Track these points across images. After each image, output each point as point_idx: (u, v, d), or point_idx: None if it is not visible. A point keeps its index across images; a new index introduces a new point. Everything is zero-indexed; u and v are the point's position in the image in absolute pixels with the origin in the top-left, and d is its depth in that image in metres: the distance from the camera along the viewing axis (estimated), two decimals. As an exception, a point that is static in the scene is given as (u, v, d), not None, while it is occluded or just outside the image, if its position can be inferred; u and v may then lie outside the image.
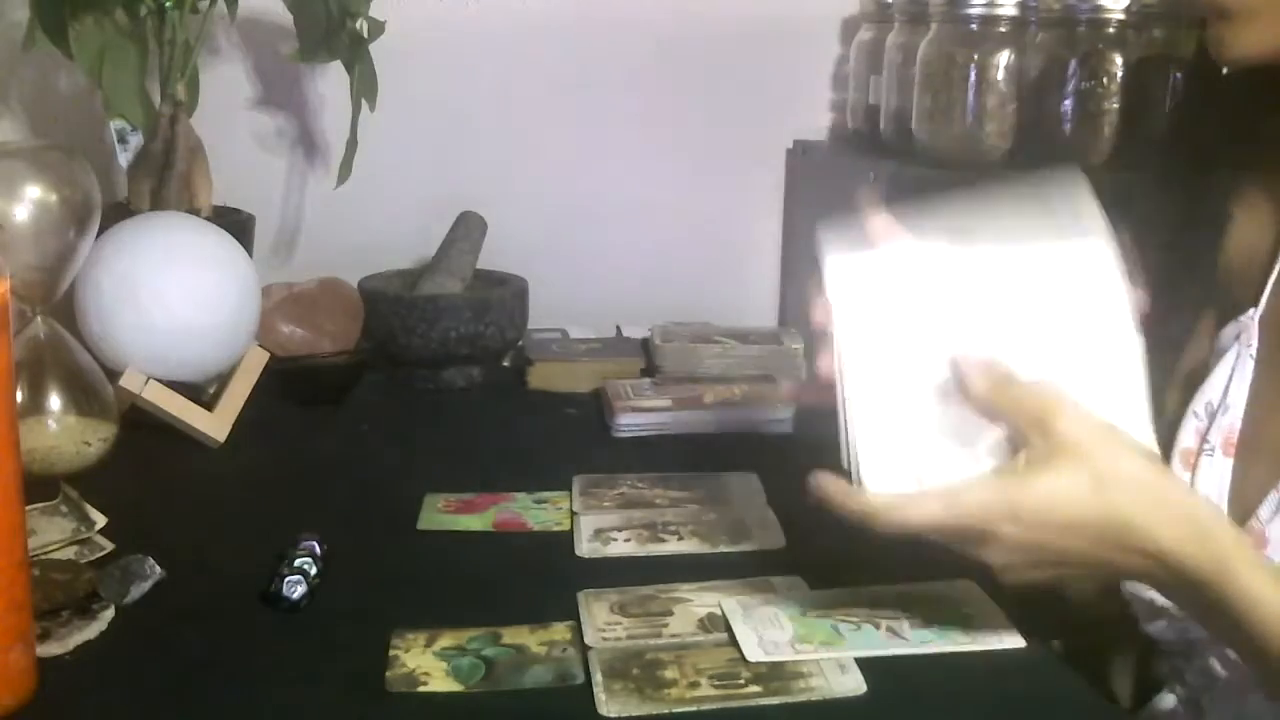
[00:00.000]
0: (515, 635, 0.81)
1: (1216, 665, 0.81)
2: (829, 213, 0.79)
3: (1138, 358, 0.74)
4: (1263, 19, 0.75)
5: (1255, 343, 0.83)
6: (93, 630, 0.80)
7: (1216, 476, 0.82)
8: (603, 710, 0.72)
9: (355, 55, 1.32)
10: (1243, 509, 0.80)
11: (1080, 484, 0.68)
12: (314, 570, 0.86)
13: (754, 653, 0.78)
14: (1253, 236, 0.86)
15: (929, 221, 0.76)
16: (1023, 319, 0.74)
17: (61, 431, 1.07)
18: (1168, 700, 0.85)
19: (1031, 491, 0.69)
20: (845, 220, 0.78)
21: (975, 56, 1.35)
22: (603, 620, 0.83)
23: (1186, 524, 0.68)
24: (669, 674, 0.76)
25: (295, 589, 0.84)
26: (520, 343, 1.41)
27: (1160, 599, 0.80)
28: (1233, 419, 0.82)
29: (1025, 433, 0.70)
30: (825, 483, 0.73)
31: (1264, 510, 0.78)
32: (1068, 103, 1.36)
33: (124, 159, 1.38)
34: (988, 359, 0.72)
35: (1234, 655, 0.76)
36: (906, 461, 0.73)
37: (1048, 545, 0.70)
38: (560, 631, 0.81)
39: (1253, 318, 0.84)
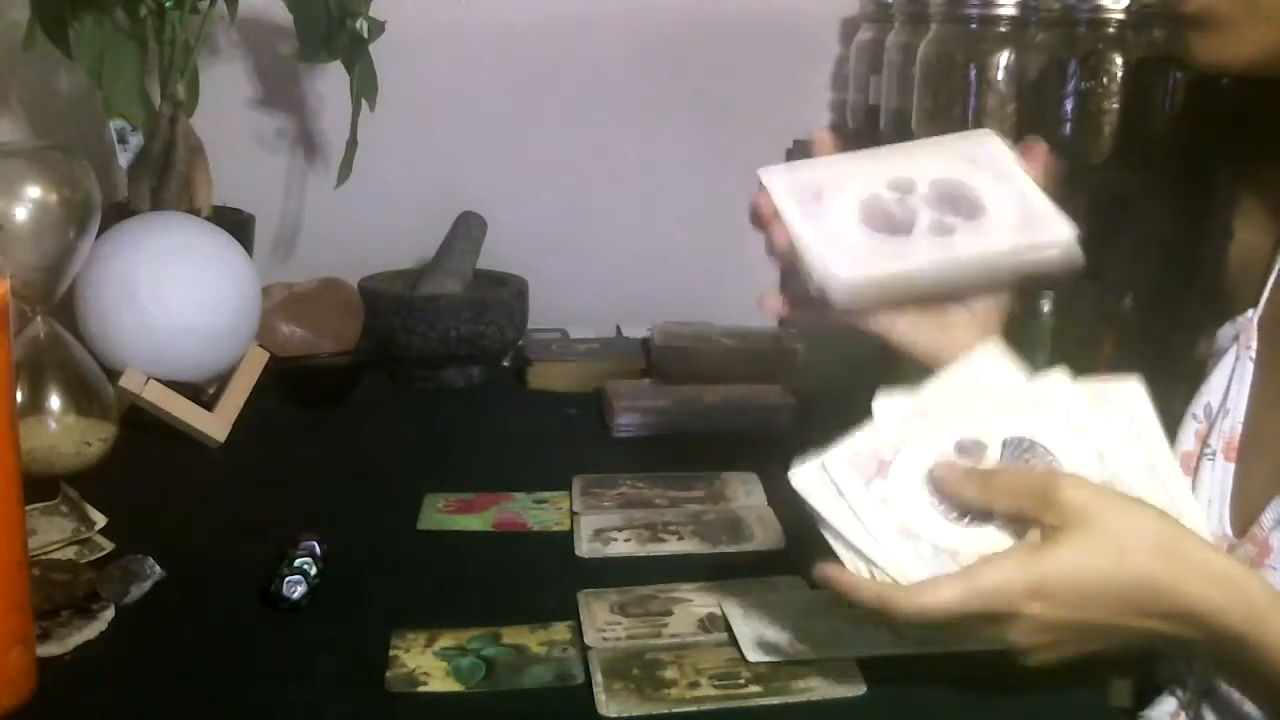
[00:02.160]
0: (515, 635, 0.81)
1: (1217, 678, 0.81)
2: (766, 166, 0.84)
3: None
4: (1235, 27, 0.75)
5: (1254, 344, 0.83)
6: (93, 630, 0.80)
7: (1218, 481, 0.81)
8: (603, 710, 0.72)
9: (355, 55, 1.32)
10: (1244, 514, 0.80)
11: (1099, 553, 0.66)
12: (314, 570, 0.86)
13: (754, 653, 0.78)
14: (1251, 238, 0.86)
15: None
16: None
17: (61, 431, 1.07)
18: (1168, 704, 0.85)
19: (1052, 565, 0.66)
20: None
21: (975, 56, 1.35)
22: (603, 620, 0.83)
23: (1212, 578, 0.66)
24: (669, 674, 0.76)
25: (295, 589, 0.84)
26: (520, 343, 1.41)
27: None
28: (1234, 422, 0.82)
29: (1032, 514, 0.68)
30: (834, 573, 0.70)
31: (1267, 517, 0.78)
32: (1068, 103, 1.36)
33: (124, 159, 1.38)
34: (956, 466, 0.70)
35: (1266, 710, 0.75)
36: (933, 553, 0.70)
37: (1073, 620, 0.66)
38: (560, 631, 0.81)
39: (1251, 319, 0.83)
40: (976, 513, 0.70)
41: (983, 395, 0.73)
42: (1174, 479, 0.72)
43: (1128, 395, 0.73)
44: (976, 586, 0.66)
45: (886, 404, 0.73)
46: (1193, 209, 0.89)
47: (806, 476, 0.71)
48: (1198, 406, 0.83)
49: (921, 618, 0.67)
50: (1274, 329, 0.82)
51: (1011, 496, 0.69)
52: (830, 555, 0.70)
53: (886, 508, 0.70)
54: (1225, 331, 0.85)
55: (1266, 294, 0.83)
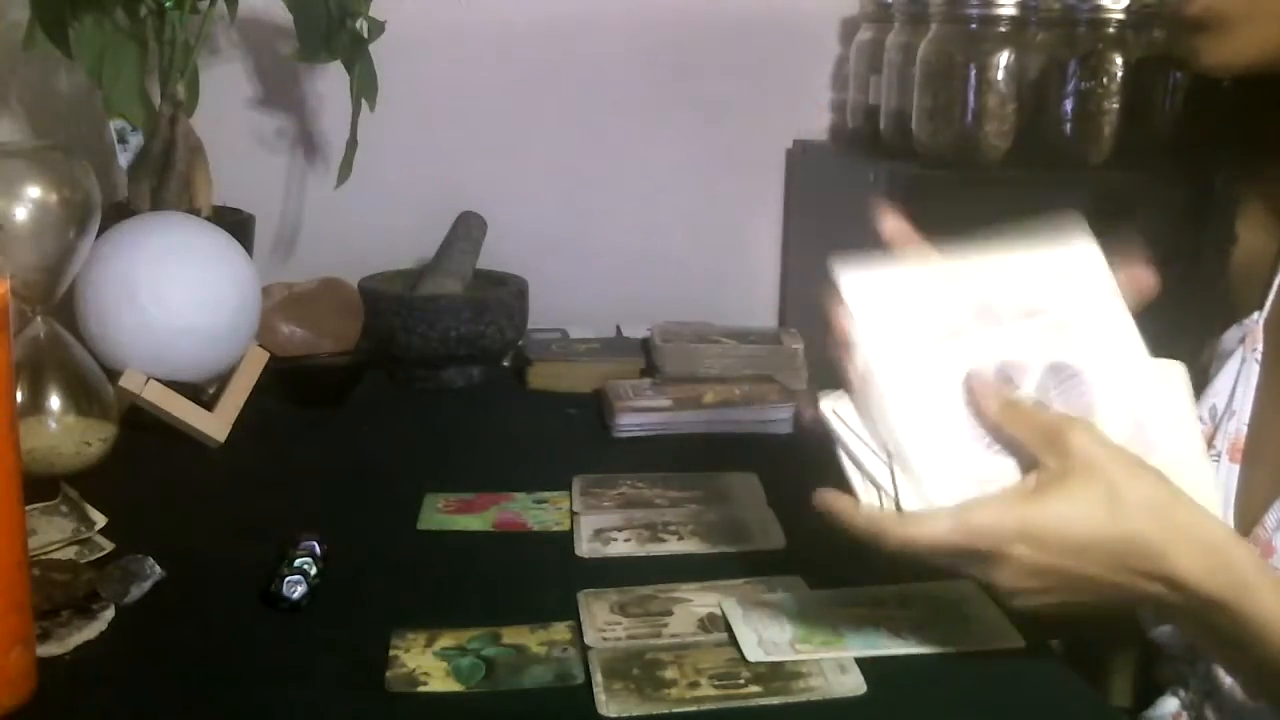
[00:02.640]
0: (515, 635, 0.81)
1: (1220, 672, 0.81)
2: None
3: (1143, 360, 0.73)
4: (1237, 27, 0.75)
5: (1260, 346, 0.83)
6: (93, 630, 0.80)
7: (1222, 482, 0.81)
8: (603, 710, 0.72)
9: (355, 55, 1.32)
10: (1247, 515, 0.80)
11: (1094, 505, 0.66)
12: (314, 570, 0.86)
13: (754, 653, 0.78)
14: (1255, 239, 0.86)
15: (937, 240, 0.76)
16: (1039, 329, 0.73)
17: (61, 431, 1.07)
18: (1170, 704, 0.85)
19: (1044, 511, 0.67)
20: (854, 240, 0.76)
21: (975, 56, 1.35)
22: (603, 620, 0.83)
23: (1202, 545, 0.67)
24: (669, 674, 0.76)
25: (295, 589, 0.84)
26: (520, 343, 1.41)
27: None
28: (1239, 424, 0.82)
29: (1037, 453, 0.69)
30: (831, 499, 0.71)
31: (1270, 519, 0.78)
32: (1068, 103, 1.37)
33: (124, 159, 1.38)
34: (996, 380, 0.71)
35: (1240, 679, 0.75)
36: (958, 469, 0.70)
37: (1058, 568, 0.67)
38: (560, 631, 0.81)
39: (1257, 321, 0.83)
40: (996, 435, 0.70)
41: (1059, 300, 0.73)
42: (1200, 466, 0.72)
43: (1177, 375, 0.73)
44: (966, 523, 0.67)
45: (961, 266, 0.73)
46: (1193, 212, 0.89)
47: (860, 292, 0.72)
48: (1203, 408, 0.83)
49: (909, 547, 0.68)
50: (1279, 331, 0.82)
51: (1024, 427, 0.69)
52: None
53: (933, 411, 0.70)
54: (1231, 334, 0.85)
55: (1272, 296, 0.83)
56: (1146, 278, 0.75)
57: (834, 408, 0.73)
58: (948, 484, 0.70)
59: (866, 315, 0.73)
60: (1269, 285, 0.84)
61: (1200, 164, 0.89)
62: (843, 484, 0.73)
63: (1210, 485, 0.73)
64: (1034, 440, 0.69)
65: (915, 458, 0.70)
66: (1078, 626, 0.87)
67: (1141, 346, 0.73)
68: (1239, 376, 0.83)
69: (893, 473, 0.71)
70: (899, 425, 0.70)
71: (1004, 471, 0.70)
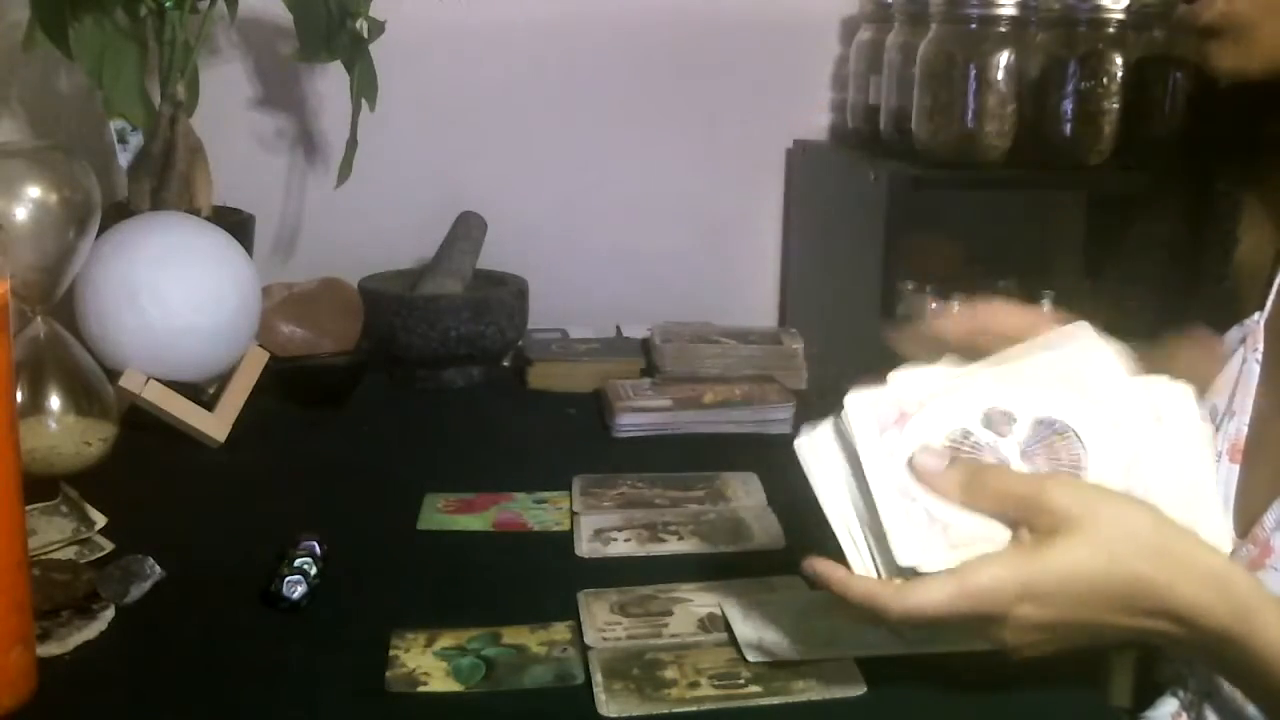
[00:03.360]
0: (515, 635, 0.81)
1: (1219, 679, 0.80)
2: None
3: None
4: (1252, 35, 0.75)
5: (1261, 347, 0.83)
6: (93, 630, 0.80)
7: (1222, 483, 0.81)
8: (603, 710, 0.72)
9: (355, 55, 1.32)
10: (1247, 515, 0.80)
11: (1092, 552, 0.65)
12: (314, 570, 0.86)
13: (754, 653, 0.78)
14: (1256, 240, 0.86)
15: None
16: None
17: (61, 431, 1.07)
18: (1169, 705, 0.85)
19: (1044, 567, 0.66)
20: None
21: (975, 56, 1.35)
22: (603, 620, 0.83)
23: (1203, 577, 0.66)
24: (669, 674, 0.76)
25: (295, 589, 0.84)
26: (520, 343, 1.41)
27: None
28: (1239, 425, 0.81)
29: (1021, 514, 0.67)
30: (824, 569, 0.70)
31: (1269, 519, 0.78)
32: (1067, 103, 1.37)
33: (124, 159, 1.38)
34: (943, 457, 0.69)
35: (1261, 707, 0.75)
36: (926, 522, 0.69)
37: (1065, 620, 0.66)
38: (560, 631, 0.81)
39: (1258, 322, 0.83)
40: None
41: (1042, 367, 0.72)
42: (1202, 497, 0.70)
43: (1180, 402, 0.71)
44: (966, 587, 0.66)
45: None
46: (1194, 213, 0.89)
47: (814, 437, 0.71)
48: (1204, 409, 0.83)
49: (910, 617, 0.67)
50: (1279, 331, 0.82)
51: (997, 501, 0.68)
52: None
53: (892, 460, 0.69)
54: (1232, 334, 0.85)
55: (1273, 297, 0.83)
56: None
57: (810, 449, 0.71)
58: (923, 552, 0.68)
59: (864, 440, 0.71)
60: (1270, 286, 0.84)
61: (1201, 168, 0.89)
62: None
63: (1219, 516, 0.71)
64: (1011, 504, 0.67)
65: (889, 527, 0.68)
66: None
67: (1128, 377, 0.72)
68: (1239, 377, 0.83)
69: (869, 541, 0.69)
70: (876, 496, 0.69)
71: (983, 532, 0.68)
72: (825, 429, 0.72)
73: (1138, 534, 0.66)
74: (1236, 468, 0.81)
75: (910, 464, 0.69)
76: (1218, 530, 0.70)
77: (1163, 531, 0.67)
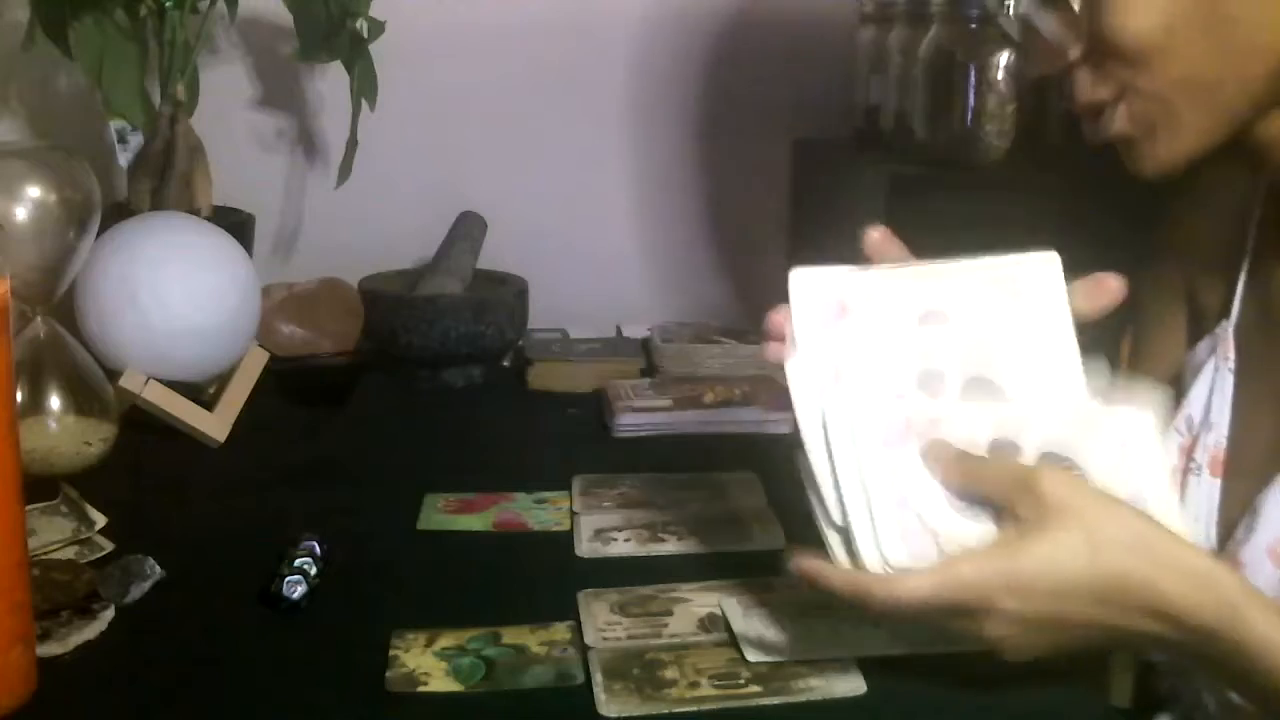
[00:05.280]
0: (515, 635, 0.81)
1: (1208, 697, 0.80)
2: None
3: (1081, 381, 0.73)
4: (1164, 130, 0.73)
5: (1232, 355, 0.82)
6: (93, 630, 0.80)
7: (1204, 497, 0.80)
8: (603, 710, 0.72)
9: (355, 55, 1.32)
10: (1226, 529, 0.79)
11: (1075, 548, 0.65)
12: (314, 570, 0.86)
13: (754, 653, 0.78)
14: (1214, 247, 0.85)
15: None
16: (988, 346, 0.73)
17: (61, 431, 1.07)
18: None
19: (1027, 560, 0.66)
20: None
21: (975, 56, 1.35)
22: (603, 620, 0.83)
23: (1188, 574, 0.66)
24: (669, 674, 0.76)
25: (295, 589, 0.84)
26: (520, 343, 1.41)
27: None
28: (1218, 436, 0.80)
29: (1009, 504, 0.68)
30: (806, 563, 0.70)
31: (1240, 531, 0.77)
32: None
33: (124, 159, 1.38)
34: (942, 442, 0.70)
35: (1241, 700, 0.75)
36: (919, 529, 0.69)
37: (1048, 615, 0.66)
38: (560, 631, 0.81)
39: (1226, 329, 0.82)
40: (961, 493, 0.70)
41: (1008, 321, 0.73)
42: (1164, 500, 0.71)
43: (1134, 420, 0.72)
44: (951, 579, 0.66)
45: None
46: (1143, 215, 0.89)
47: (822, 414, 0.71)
48: (1179, 420, 0.82)
49: (894, 607, 0.67)
50: (1249, 337, 0.82)
51: (992, 485, 0.68)
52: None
53: (894, 474, 0.70)
54: (1203, 346, 0.84)
55: (1237, 304, 0.82)
56: (1114, 285, 0.74)
57: (824, 418, 0.72)
58: (904, 543, 0.69)
59: (807, 319, 0.73)
60: (1232, 293, 0.83)
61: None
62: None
63: (1176, 517, 0.71)
64: (1003, 493, 0.68)
65: (875, 517, 0.69)
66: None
67: (1083, 383, 0.73)
68: (1213, 387, 0.81)
69: (849, 531, 0.70)
70: (846, 487, 0.70)
71: (965, 524, 0.69)
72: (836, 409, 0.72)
73: (1122, 530, 0.66)
74: (1218, 481, 0.80)
75: (925, 449, 0.70)
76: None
77: (1148, 529, 0.67)
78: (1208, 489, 0.80)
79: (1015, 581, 0.66)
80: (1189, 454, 0.82)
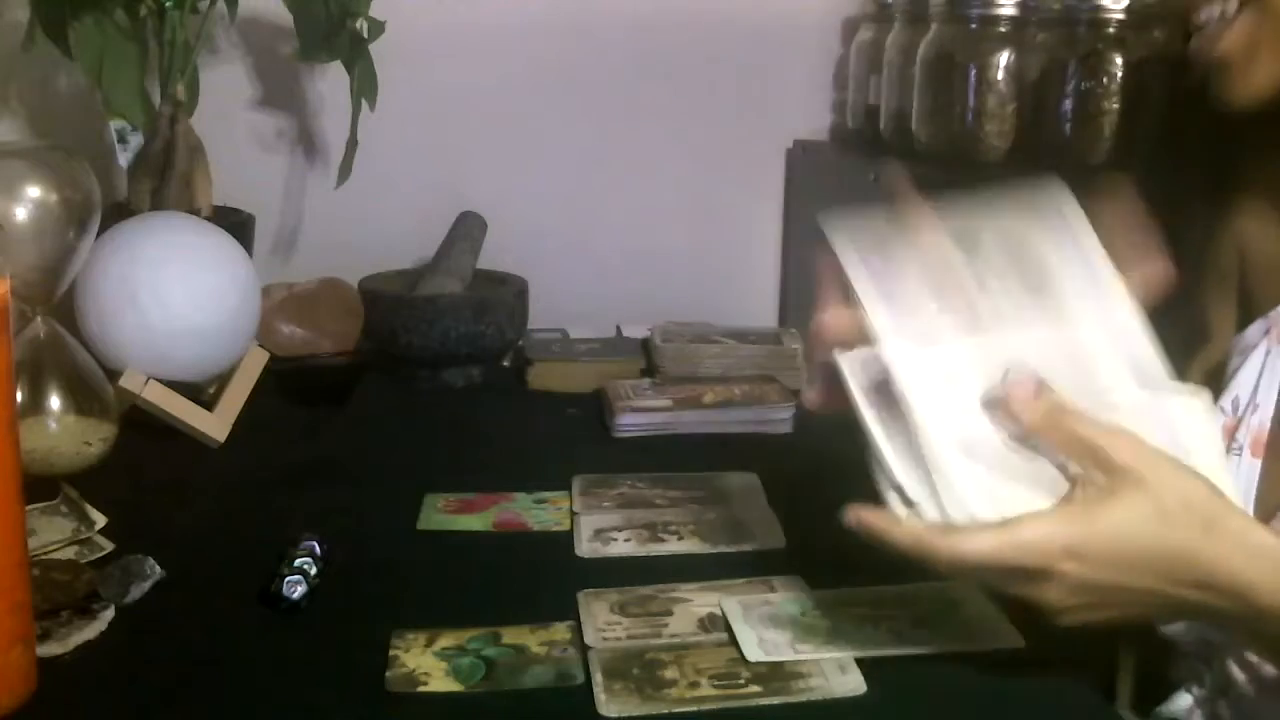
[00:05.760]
0: (515, 635, 0.81)
1: (1235, 669, 0.80)
2: (829, 213, 0.77)
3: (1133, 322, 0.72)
4: (1258, 62, 0.75)
5: None
6: (93, 630, 0.80)
7: (1244, 476, 0.80)
8: (603, 710, 0.72)
9: (355, 55, 1.32)
10: (1267, 509, 0.79)
11: (1145, 519, 0.65)
12: (314, 570, 0.86)
13: (754, 653, 0.78)
14: (1268, 233, 0.86)
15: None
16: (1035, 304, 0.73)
17: (61, 431, 1.07)
18: (1184, 700, 0.85)
19: (1093, 527, 0.65)
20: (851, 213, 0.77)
21: (975, 56, 1.35)
22: (603, 620, 0.83)
23: (1255, 552, 0.65)
24: (669, 674, 0.76)
25: (295, 589, 0.84)
26: (520, 343, 1.41)
27: None
28: (1262, 418, 0.81)
29: (1080, 465, 0.67)
30: (866, 515, 0.69)
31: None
32: (1067, 103, 1.36)
33: (124, 159, 1.38)
34: (1035, 382, 0.68)
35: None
36: (981, 483, 0.68)
37: (1110, 583, 0.66)
38: (560, 631, 0.81)
39: None
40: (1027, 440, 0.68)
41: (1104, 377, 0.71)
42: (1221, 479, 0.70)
43: (1187, 409, 0.71)
44: (1015, 539, 0.65)
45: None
46: (1186, 201, 0.89)
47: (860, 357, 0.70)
48: (1225, 400, 0.83)
49: (957, 564, 0.66)
50: None
51: (1065, 438, 0.67)
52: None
53: (959, 418, 0.68)
54: (1255, 328, 0.84)
55: None
56: (1164, 271, 0.75)
57: (853, 374, 0.71)
58: (971, 496, 0.67)
59: (863, 274, 0.72)
60: None
61: (1193, 163, 0.89)
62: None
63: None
64: (1075, 452, 0.67)
65: (941, 467, 0.68)
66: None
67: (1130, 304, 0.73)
68: (1263, 369, 0.82)
69: (915, 484, 0.69)
70: (925, 432, 0.68)
71: (1027, 479, 0.68)
72: (872, 354, 0.70)
73: (1193, 504, 0.65)
74: (1259, 461, 0.81)
75: (1006, 383, 0.68)
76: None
77: (1218, 504, 0.66)
78: (1247, 470, 0.81)
79: (1079, 547, 0.65)
80: (1231, 435, 0.82)
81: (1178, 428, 0.71)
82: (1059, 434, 0.68)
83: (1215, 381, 0.84)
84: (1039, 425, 0.68)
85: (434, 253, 1.42)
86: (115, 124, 1.37)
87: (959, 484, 0.68)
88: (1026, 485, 0.68)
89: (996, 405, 0.69)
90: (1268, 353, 0.82)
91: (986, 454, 0.68)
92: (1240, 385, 0.83)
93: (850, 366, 0.72)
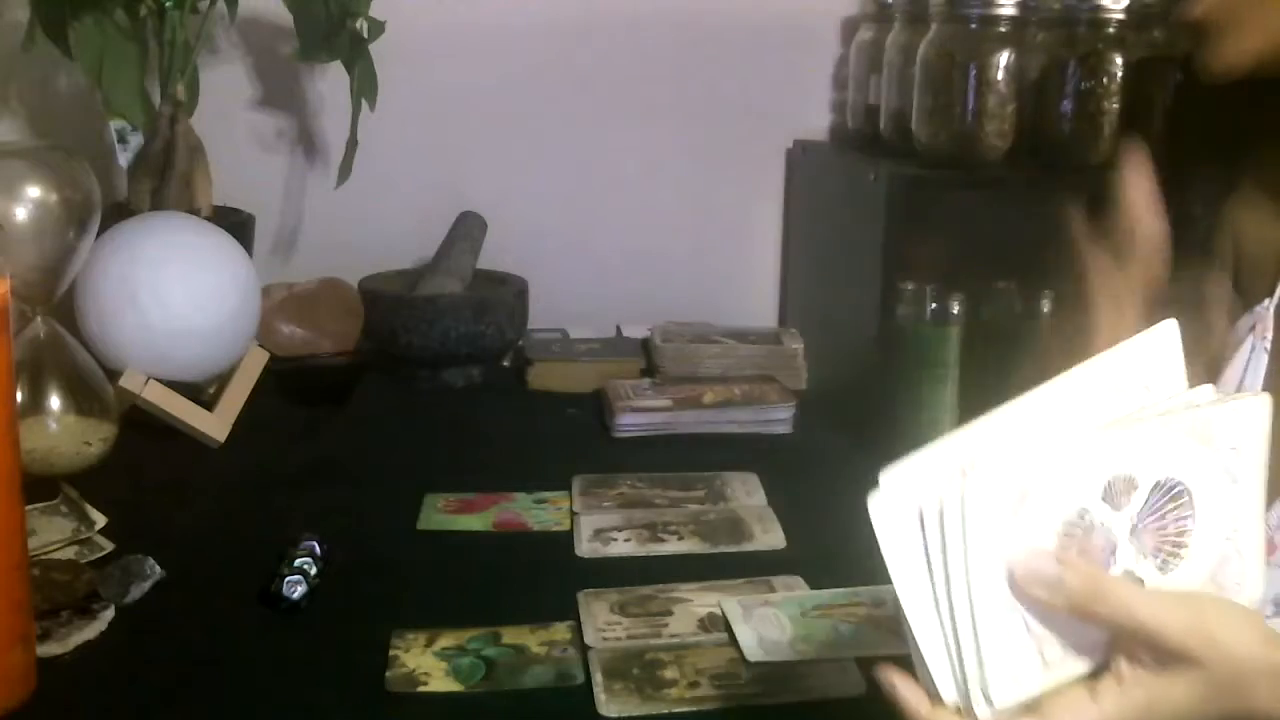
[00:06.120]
0: (515, 635, 0.81)
1: None
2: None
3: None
4: (1240, 28, 0.76)
5: (1270, 334, 0.82)
6: (93, 630, 0.80)
7: None
8: (603, 710, 0.72)
9: (355, 55, 1.32)
10: None
11: (1189, 692, 0.60)
12: (314, 570, 0.86)
13: (754, 653, 0.78)
14: (1260, 228, 0.86)
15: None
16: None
17: (61, 431, 1.07)
18: None
19: (1134, 707, 0.59)
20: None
21: (975, 56, 1.35)
22: (603, 620, 0.83)
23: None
24: (669, 674, 0.76)
25: (295, 589, 0.84)
26: (520, 343, 1.41)
27: None
28: None
29: (1131, 641, 0.60)
30: (905, 691, 0.61)
31: (1273, 515, 0.77)
32: (1067, 103, 1.37)
33: (124, 159, 1.38)
34: (1079, 552, 0.59)
35: None
36: (1031, 654, 0.59)
37: None
38: (560, 631, 0.81)
39: (1267, 308, 0.83)
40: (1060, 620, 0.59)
41: (1143, 398, 0.63)
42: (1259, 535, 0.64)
43: (1247, 416, 0.64)
44: None
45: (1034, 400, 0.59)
46: (1186, 198, 0.89)
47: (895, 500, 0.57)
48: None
49: None
50: None
51: (1112, 623, 0.60)
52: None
53: (995, 560, 0.57)
54: (1243, 322, 0.85)
55: None
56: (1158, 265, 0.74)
57: (886, 517, 0.58)
58: (1019, 683, 0.59)
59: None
60: (1278, 272, 0.84)
61: (1192, 159, 0.90)
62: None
63: (1261, 546, 0.65)
64: (1125, 635, 0.60)
65: (989, 654, 0.58)
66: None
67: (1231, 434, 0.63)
68: (1248, 364, 0.82)
69: (953, 649, 0.59)
70: (980, 612, 0.58)
71: (1077, 646, 0.60)
72: (911, 492, 0.57)
73: (1243, 667, 0.60)
74: None
75: (1014, 574, 0.58)
76: (1255, 580, 0.65)
77: (1269, 652, 0.61)
78: None
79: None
80: None
81: (1238, 440, 0.63)
82: (1101, 617, 0.60)
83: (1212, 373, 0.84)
84: (1078, 611, 0.60)
85: (434, 253, 1.42)
86: (115, 124, 1.37)
87: (999, 668, 0.59)
88: (1073, 645, 0.60)
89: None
90: (1252, 348, 0.83)
91: (1035, 623, 0.60)
92: (1226, 382, 0.83)
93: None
